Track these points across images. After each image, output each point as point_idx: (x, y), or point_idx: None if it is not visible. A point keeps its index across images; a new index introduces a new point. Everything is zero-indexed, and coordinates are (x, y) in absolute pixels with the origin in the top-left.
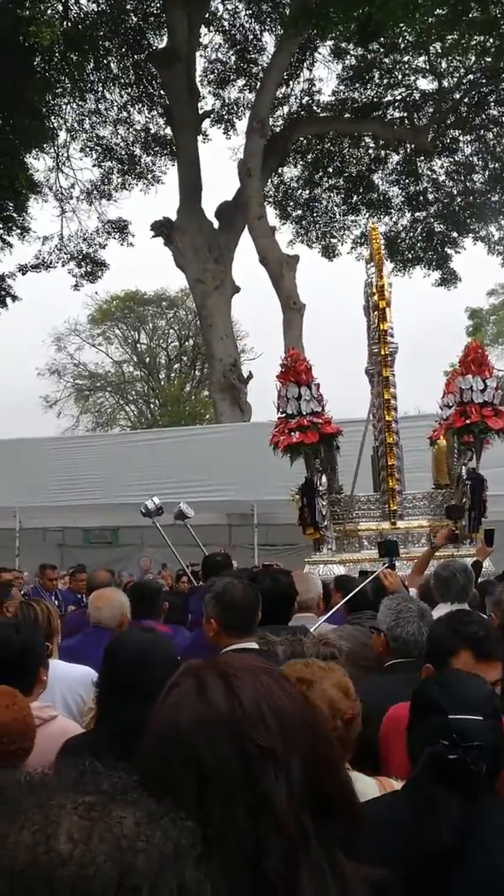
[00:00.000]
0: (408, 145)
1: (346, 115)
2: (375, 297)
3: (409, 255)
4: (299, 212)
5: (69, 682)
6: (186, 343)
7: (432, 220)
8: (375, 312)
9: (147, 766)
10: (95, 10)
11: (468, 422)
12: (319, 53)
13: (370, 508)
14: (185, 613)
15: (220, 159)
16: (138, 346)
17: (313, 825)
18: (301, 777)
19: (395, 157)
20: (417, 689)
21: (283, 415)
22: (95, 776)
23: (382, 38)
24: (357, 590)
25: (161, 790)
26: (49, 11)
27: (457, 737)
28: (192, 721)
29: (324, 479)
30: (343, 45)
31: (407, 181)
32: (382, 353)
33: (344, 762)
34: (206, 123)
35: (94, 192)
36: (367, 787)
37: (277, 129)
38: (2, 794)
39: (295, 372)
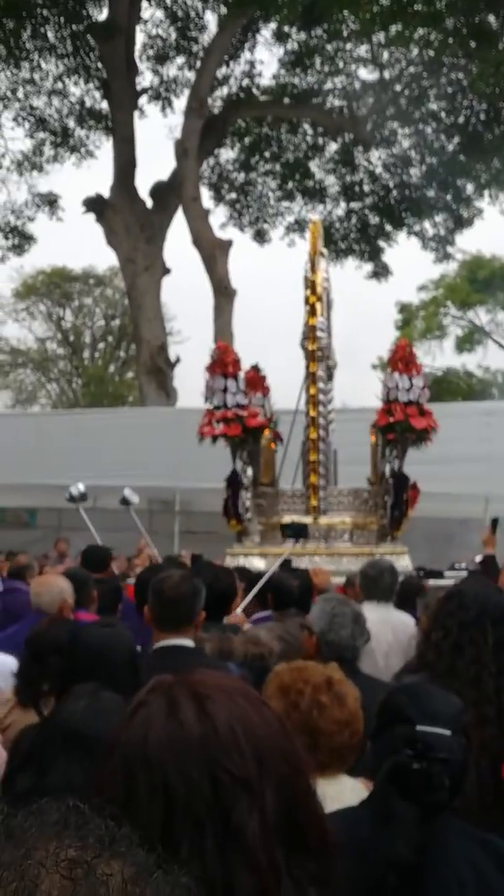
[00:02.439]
0: (346, 134)
1: (286, 101)
2: (308, 292)
3: (343, 246)
4: (233, 195)
5: None
6: (112, 322)
7: (367, 211)
8: (307, 307)
9: (109, 788)
10: None
11: (392, 420)
12: (261, 35)
13: (295, 502)
14: (114, 602)
15: (156, 137)
16: (63, 322)
17: (286, 860)
18: (275, 809)
19: (333, 146)
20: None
21: (213, 406)
22: (80, 826)
23: (326, 25)
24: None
25: (124, 815)
26: None
27: (422, 748)
28: (161, 743)
29: (249, 471)
30: (286, 28)
31: (343, 171)
32: (310, 348)
33: (316, 794)
34: (143, 100)
35: (26, 162)
36: (356, 791)
37: (216, 111)
38: None
39: (222, 364)
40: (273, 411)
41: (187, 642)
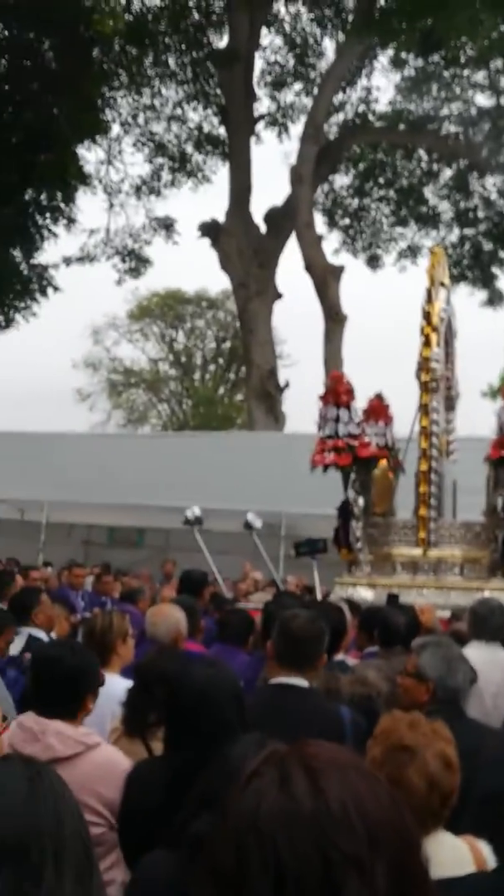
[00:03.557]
0: (461, 160)
1: (401, 127)
2: (423, 322)
3: (455, 272)
4: (347, 221)
5: (118, 698)
6: (223, 345)
7: (481, 237)
8: (422, 338)
9: (220, 858)
10: (158, 4)
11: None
12: (378, 62)
13: (406, 534)
14: (247, 633)
15: (272, 163)
16: (175, 344)
17: None
18: (385, 888)
19: (448, 172)
20: None
21: (325, 435)
22: None
23: (443, 51)
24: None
25: (233, 886)
26: (112, 3)
27: None
28: (273, 815)
29: (361, 500)
30: (403, 55)
31: (458, 197)
32: (424, 379)
33: (429, 873)
34: (260, 125)
35: (143, 187)
36: (456, 850)
37: (332, 137)
38: None
39: (335, 393)
40: (395, 440)
41: (302, 682)
